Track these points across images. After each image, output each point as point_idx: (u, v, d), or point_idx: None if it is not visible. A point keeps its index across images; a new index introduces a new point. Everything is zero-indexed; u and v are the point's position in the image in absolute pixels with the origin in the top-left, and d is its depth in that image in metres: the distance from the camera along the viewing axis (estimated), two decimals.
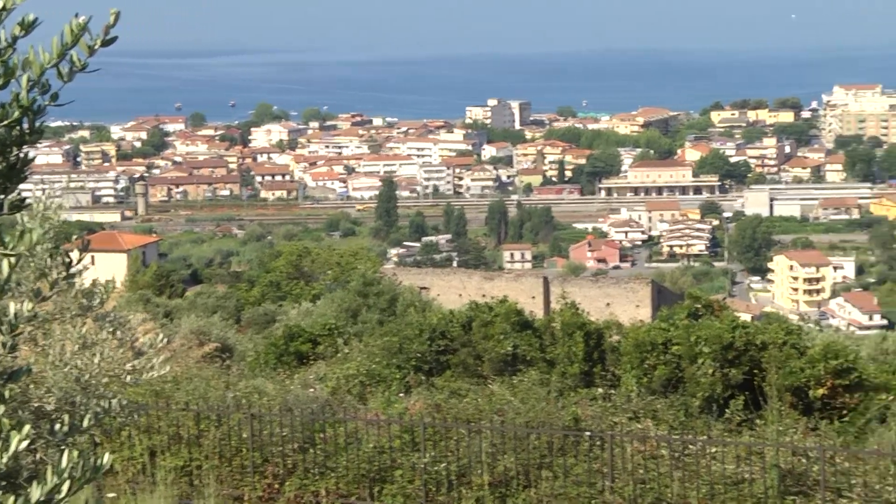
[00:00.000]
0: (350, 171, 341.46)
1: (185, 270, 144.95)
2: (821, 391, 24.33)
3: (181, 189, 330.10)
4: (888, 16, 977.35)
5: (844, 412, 24.00)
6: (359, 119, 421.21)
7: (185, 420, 19.80)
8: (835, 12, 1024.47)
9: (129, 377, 9.58)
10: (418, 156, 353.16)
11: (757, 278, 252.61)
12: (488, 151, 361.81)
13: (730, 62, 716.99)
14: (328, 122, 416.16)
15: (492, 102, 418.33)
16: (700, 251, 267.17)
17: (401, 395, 23.76)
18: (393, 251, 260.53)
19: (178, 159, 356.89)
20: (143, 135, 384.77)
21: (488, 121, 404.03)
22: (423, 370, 28.52)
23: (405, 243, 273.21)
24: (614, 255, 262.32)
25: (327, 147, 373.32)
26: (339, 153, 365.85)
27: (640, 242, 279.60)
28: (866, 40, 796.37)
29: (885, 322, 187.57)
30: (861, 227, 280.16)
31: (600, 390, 21.81)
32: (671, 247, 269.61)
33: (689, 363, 25.01)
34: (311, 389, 22.94)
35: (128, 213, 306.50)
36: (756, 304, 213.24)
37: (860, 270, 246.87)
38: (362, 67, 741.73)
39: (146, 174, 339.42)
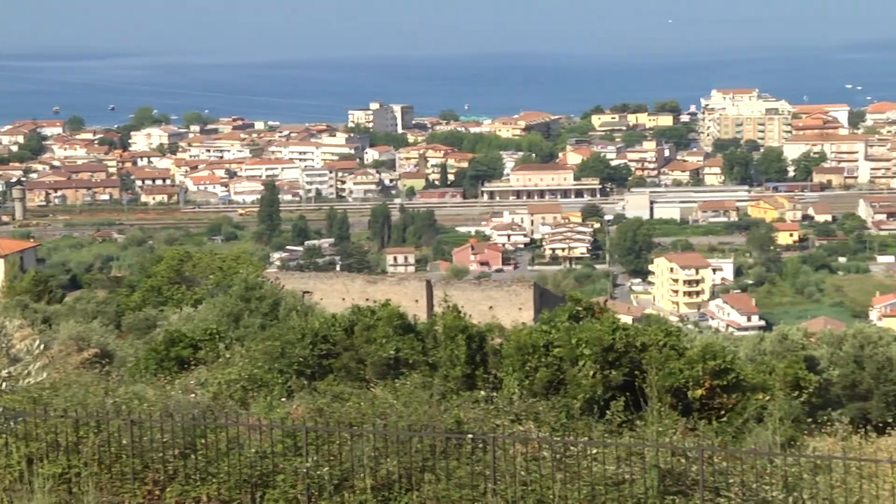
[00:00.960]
0: (232, 175, 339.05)
1: (64, 276, 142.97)
2: (699, 392, 24.62)
3: (59, 193, 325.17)
4: (764, 21, 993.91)
5: (722, 412, 24.31)
6: (240, 123, 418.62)
7: (64, 427, 19.47)
8: (711, 17, 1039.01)
9: (4, 384, 9.41)
10: (301, 159, 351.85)
11: (638, 280, 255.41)
12: (371, 155, 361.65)
13: (610, 66, 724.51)
14: (209, 126, 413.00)
15: (374, 106, 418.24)
16: (582, 254, 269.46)
17: (283, 399, 23.60)
18: (276, 255, 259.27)
19: (57, 163, 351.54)
20: (20, 139, 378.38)
21: (371, 124, 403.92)
22: (305, 374, 28.37)
23: (288, 247, 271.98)
24: (497, 258, 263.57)
25: (208, 151, 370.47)
26: (221, 157, 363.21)
27: (522, 245, 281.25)
28: (743, 45, 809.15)
29: (762, 323, 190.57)
30: (739, 230, 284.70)
31: (482, 393, 21.84)
32: (553, 249, 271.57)
33: (571, 365, 25.16)
34: (193, 395, 22.71)
35: (5, 219, 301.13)
36: (637, 306, 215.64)
37: (738, 272, 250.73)
38: (244, 70, 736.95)
39: (23, 178, 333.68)
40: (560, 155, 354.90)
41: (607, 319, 27.27)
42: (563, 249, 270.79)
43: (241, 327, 44.52)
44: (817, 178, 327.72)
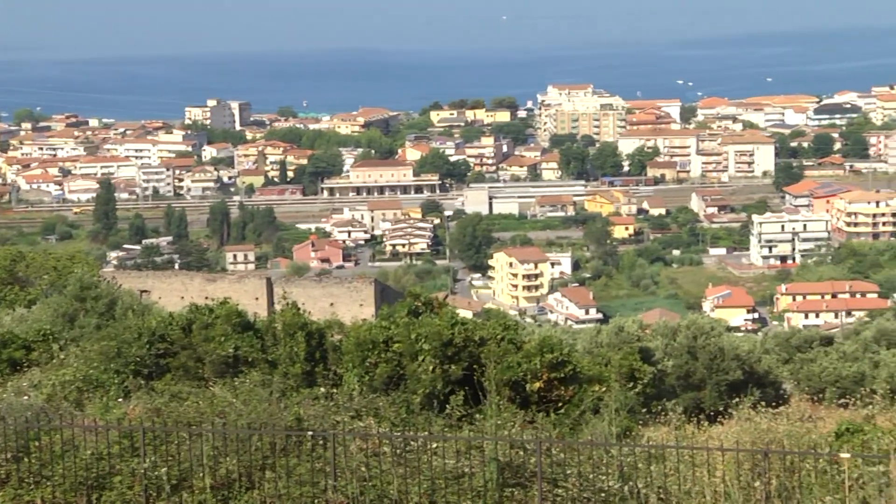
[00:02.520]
0: (66, 173, 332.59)
1: None
2: (537, 385, 24.88)
3: None
4: (596, 18, 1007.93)
5: (560, 404, 24.60)
6: (74, 120, 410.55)
7: None
8: (544, 14, 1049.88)
9: None
10: (137, 157, 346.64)
11: (478, 275, 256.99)
12: (209, 152, 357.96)
13: (447, 62, 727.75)
14: (42, 124, 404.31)
15: (211, 103, 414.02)
16: (422, 249, 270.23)
17: (119, 400, 23.28)
18: (112, 254, 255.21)
19: None
20: None
21: (208, 121, 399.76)
22: (142, 374, 28.00)
23: (125, 246, 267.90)
24: (338, 254, 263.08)
25: (41, 149, 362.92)
26: (54, 155, 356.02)
27: (363, 242, 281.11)
28: (577, 41, 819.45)
29: (600, 316, 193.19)
30: (576, 224, 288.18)
31: (322, 390, 21.81)
32: (394, 246, 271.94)
33: (410, 360, 25.24)
34: (26, 397, 22.27)
35: None
36: (477, 301, 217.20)
37: (576, 266, 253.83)
38: (78, 67, 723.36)
39: None
40: (399, 151, 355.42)
41: (446, 314, 27.41)
42: (403, 245, 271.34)
43: (76, 328, 43.75)
44: (651, 172, 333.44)
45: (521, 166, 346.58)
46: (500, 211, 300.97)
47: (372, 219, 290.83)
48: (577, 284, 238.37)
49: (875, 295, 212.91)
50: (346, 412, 19.84)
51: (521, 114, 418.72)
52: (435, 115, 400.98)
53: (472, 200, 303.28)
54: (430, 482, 17.22)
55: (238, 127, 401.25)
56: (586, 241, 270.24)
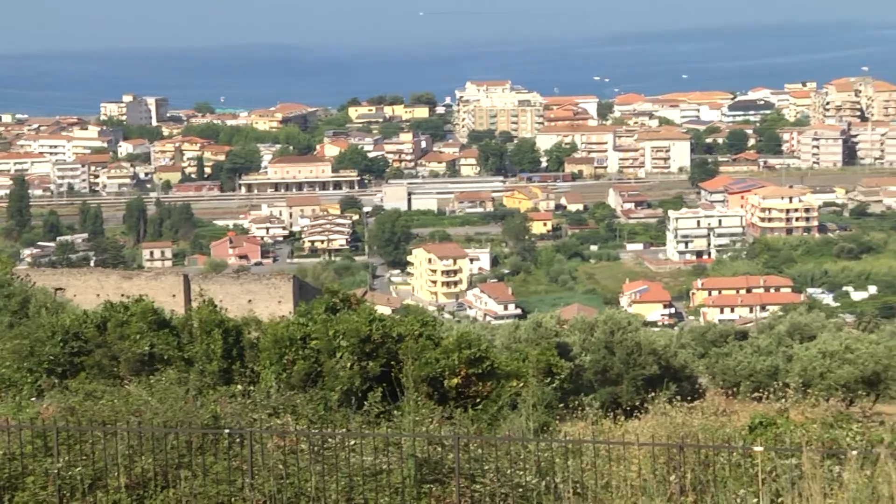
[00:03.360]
0: None
1: None
2: (455, 380, 24.92)
3: None
4: (513, 14, 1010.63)
5: (478, 400, 24.66)
6: None
7: None
8: (461, 10, 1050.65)
9: None
10: (51, 153, 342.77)
11: (397, 271, 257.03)
12: (125, 148, 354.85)
13: (365, 58, 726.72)
14: None
15: (127, 98, 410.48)
16: (341, 246, 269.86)
17: (32, 399, 23.00)
18: (27, 251, 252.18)
19: None
20: None
21: (124, 117, 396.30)
22: (56, 373, 27.69)
23: (39, 243, 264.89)
24: (256, 251, 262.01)
25: None
26: None
27: (281, 238, 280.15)
28: (493, 37, 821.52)
29: (518, 311, 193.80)
30: (495, 220, 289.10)
31: (239, 387, 21.69)
32: (313, 242, 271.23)
33: (328, 357, 25.18)
34: None
35: None
36: (396, 297, 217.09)
37: (495, 261, 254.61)
38: None
39: None
40: (318, 147, 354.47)
41: (364, 311, 27.37)
42: (322, 242, 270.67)
43: None
44: (569, 168, 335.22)
45: (440, 162, 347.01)
46: (418, 207, 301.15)
47: (290, 215, 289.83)
48: (495, 280, 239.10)
49: (789, 289, 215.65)
50: (263, 410, 19.75)
51: (440, 110, 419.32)
52: (353, 112, 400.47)
53: (391, 196, 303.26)
54: (347, 479, 17.19)
55: (154, 123, 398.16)
56: (505, 236, 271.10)
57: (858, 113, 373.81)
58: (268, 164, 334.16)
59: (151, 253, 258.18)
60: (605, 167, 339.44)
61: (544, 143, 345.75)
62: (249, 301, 79.94)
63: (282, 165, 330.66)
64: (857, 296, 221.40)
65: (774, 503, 15.70)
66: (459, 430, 18.33)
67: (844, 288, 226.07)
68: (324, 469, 17.32)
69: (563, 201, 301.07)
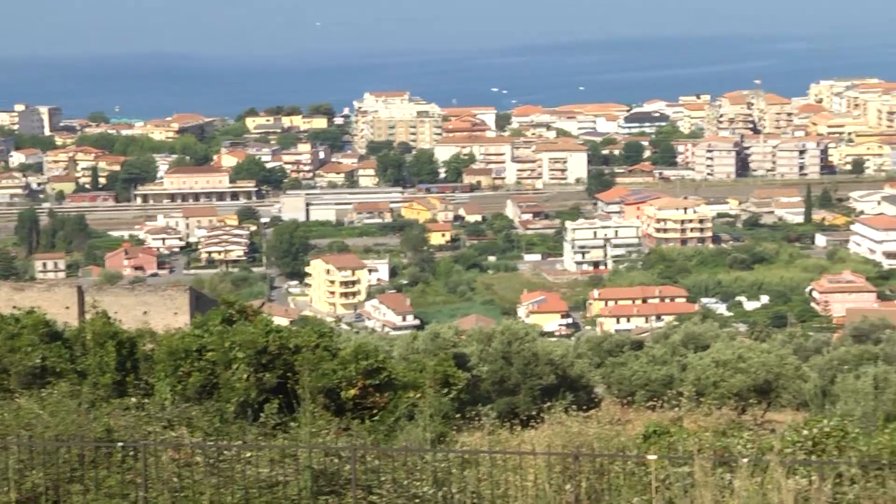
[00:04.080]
0: None
1: None
2: (352, 392, 24.88)
3: None
4: (411, 25, 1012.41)
5: (375, 411, 24.63)
6: None
7: None
8: (358, 21, 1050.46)
9: None
10: None
11: (295, 282, 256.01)
12: (17, 158, 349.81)
13: (262, 69, 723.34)
14: None
15: (19, 107, 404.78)
16: (239, 257, 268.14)
17: None
18: None
19: None
20: None
21: (16, 126, 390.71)
22: None
23: None
24: (152, 262, 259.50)
25: None
26: None
27: (178, 249, 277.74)
28: (392, 48, 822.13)
29: (417, 322, 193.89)
30: (393, 231, 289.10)
31: (133, 400, 21.46)
32: (210, 253, 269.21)
33: (224, 369, 25.01)
34: None
35: None
36: (295, 308, 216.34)
37: (394, 272, 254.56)
38: None
39: None
40: (215, 157, 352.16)
41: (260, 322, 27.23)
42: (219, 253, 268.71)
43: None
44: (467, 179, 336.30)
45: (338, 173, 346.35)
46: (317, 218, 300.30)
47: (187, 226, 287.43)
48: (394, 291, 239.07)
49: (683, 300, 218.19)
50: (157, 422, 19.56)
51: (338, 121, 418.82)
52: (251, 122, 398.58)
53: (289, 207, 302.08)
54: (243, 492, 17.08)
55: (47, 132, 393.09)
56: (403, 247, 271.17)
57: (751, 125, 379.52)
58: (164, 175, 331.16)
59: (44, 264, 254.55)
60: (504, 178, 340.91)
61: (443, 154, 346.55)
62: (145, 313, 78.95)
63: (178, 176, 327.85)
64: (749, 305, 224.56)
65: None
66: (356, 442, 18.32)
67: (737, 298, 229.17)
68: (219, 482, 17.19)
69: (461, 212, 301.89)
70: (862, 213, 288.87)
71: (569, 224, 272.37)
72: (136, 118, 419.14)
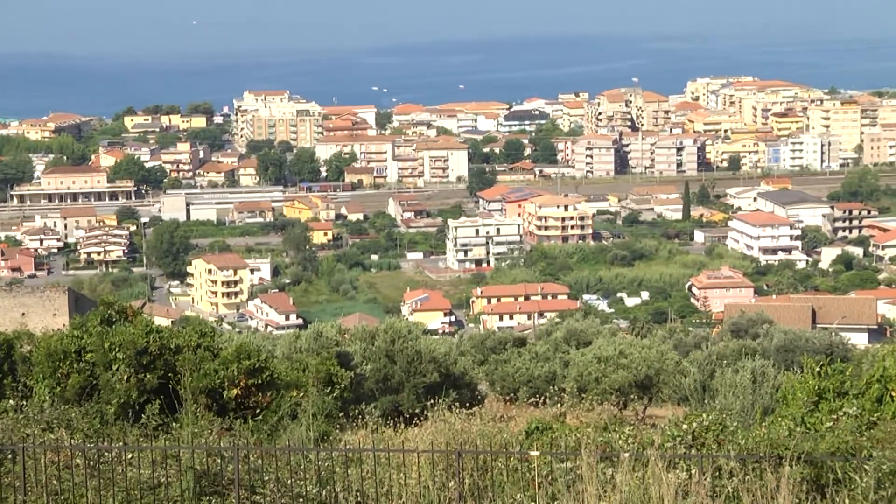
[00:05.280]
0: None
1: None
2: (234, 391, 24.73)
3: None
4: (290, 24, 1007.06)
5: (258, 411, 24.51)
6: None
7: None
8: (236, 20, 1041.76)
9: None
10: None
11: (176, 283, 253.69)
12: None
13: (139, 68, 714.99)
14: None
15: None
16: (119, 257, 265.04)
17: None
18: None
19: None
20: None
21: None
22: None
23: None
24: (30, 263, 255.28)
25: None
26: None
27: (56, 250, 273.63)
28: (271, 47, 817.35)
29: (300, 321, 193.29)
30: (275, 230, 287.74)
31: (11, 402, 21.14)
32: (89, 254, 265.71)
33: (104, 370, 24.73)
34: None
35: None
36: (176, 309, 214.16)
37: (276, 272, 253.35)
38: None
39: None
40: (93, 157, 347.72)
41: (141, 323, 26.94)
42: (98, 253, 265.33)
43: None
44: (349, 177, 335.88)
45: (219, 172, 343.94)
46: (197, 217, 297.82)
47: (65, 226, 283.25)
48: (276, 290, 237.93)
49: (565, 296, 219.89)
50: (36, 424, 19.29)
51: (218, 119, 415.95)
52: (129, 121, 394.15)
53: (169, 207, 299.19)
54: (125, 493, 16.90)
55: None
56: (285, 246, 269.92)
57: (629, 123, 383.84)
58: (41, 175, 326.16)
59: None
60: (385, 177, 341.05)
61: (324, 152, 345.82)
62: (23, 314, 77.82)
63: (55, 176, 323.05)
64: (630, 302, 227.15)
65: None
66: (239, 442, 18.19)
67: (618, 294, 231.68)
68: (100, 484, 16.99)
69: (343, 211, 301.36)
70: (739, 209, 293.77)
71: (451, 222, 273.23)
72: (11, 118, 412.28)
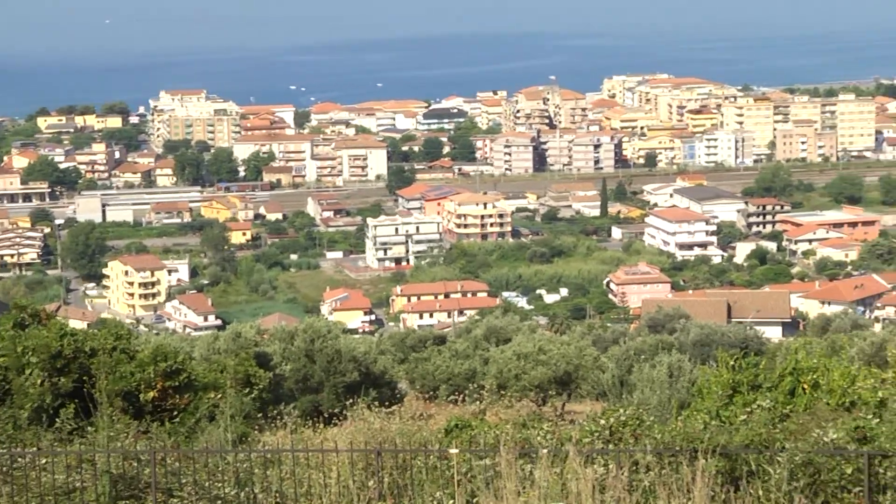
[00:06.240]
0: None
1: None
2: (151, 394, 24.53)
3: None
4: (204, 22, 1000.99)
5: (175, 413, 24.32)
6: None
7: None
8: (151, 16, 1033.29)
9: None
10: None
11: (92, 285, 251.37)
12: None
13: (51, 67, 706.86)
14: None
15: None
16: (33, 259, 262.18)
17: None
18: None
19: None
20: None
21: None
22: None
23: None
24: None
25: None
26: None
27: None
28: (187, 45, 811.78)
29: (219, 322, 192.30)
30: (193, 230, 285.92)
31: None
32: (2, 256, 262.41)
33: (17, 374, 24.41)
34: None
35: None
36: (93, 311, 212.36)
37: (194, 272, 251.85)
38: None
39: None
40: (5, 158, 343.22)
41: (55, 326, 26.61)
42: (12, 256, 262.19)
43: None
44: (267, 177, 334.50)
45: (135, 173, 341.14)
46: (113, 219, 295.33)
47: None
48: (194, 291, 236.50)
49: (485, 294, 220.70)
50: None
51: (134, 120, 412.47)
52: (42, 122, 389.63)
53: (84, 208, 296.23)
54: (39, 499, 16.72)
55: None
56: (203, 247, 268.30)
57: (547, 121, 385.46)
58: None
59: None
60: (304, 176, 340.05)
61: (242, 152, 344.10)
62: None
63: None
64: (549, 298, 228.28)
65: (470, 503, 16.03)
66: (156, 444, 18.06)
67: (538, 291, 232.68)
68: (13, 490, 16.80)
69: (262, 210, 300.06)
70: (655, 205, 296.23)
71: (370, 221, 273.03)
72: None
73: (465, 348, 51.59)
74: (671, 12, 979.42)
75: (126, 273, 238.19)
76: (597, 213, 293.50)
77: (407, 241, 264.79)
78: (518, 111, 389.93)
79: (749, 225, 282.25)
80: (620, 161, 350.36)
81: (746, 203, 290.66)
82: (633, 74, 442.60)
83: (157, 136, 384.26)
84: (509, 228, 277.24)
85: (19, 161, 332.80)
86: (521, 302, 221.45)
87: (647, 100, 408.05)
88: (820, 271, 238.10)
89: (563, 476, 15.64)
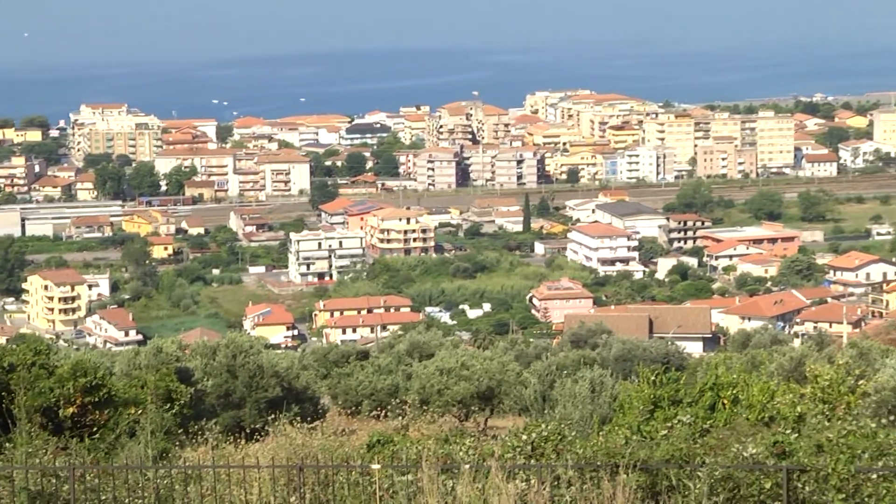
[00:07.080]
0: None
1: None
2: (70, 410, 24.32)
3: None
4: (127, 36, 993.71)
5: (95, 429, 24.12)
6: None
7: None
8: (73, 30, 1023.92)
9: None
10: None
11: (11, 300, 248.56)
12: None
13: None
14: None
15: None
16: None
17: None
18: None
19: None
20: None
21: None
22: None
23: None
24: None
25: None
26: None
27: None
28: (108, 59, 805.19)
29: (140, 337, 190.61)
30: (114, 245, 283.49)
31: None
32: None
33: None
34: None
35: None
36: (11, 326, 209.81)
37: (115, 287, 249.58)
38: None
39: None
40: None
41: None
42: None
43: None
44: (189, 191, 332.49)
45: (55, 187, 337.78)
46: (33, 233, 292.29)
47: None
48: (115, 306, 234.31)
49: (408, 309, 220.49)
50: None
51: (54, 133, 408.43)
52: None
53: (3, 222, 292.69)
54: None
55: None
56: (124, 261, 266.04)
57: (470, 136, 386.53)
58: None
59: None
60: (226, 190, 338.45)
61: (163, 166, 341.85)
62: None
63: None
64: (472, 314, 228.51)
65: None
66: (75, 461, 17.90)
67: (461, 306, 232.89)
68: None
69: (183, 225, 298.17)
70: (578, 221, 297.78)
71: (293, 236, 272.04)
72: None
73: (388, 363, 51.56)
74: (593, 28, 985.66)
75: (46, 288, 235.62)
76: (520, 228, 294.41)
77: (330, 256, 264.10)
78: (441, 126, 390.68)
79: (670, 240, 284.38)
80: (543, 176, 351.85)
81: (668, 219, 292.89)
82: (556, 90, 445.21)
83: (78, 150, 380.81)
84: (432, 244, 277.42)
85: None
86: (444, 317, 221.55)
87: (570, 116, 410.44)
88: (740, 287, 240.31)
89: (485, 491, 15.68)
